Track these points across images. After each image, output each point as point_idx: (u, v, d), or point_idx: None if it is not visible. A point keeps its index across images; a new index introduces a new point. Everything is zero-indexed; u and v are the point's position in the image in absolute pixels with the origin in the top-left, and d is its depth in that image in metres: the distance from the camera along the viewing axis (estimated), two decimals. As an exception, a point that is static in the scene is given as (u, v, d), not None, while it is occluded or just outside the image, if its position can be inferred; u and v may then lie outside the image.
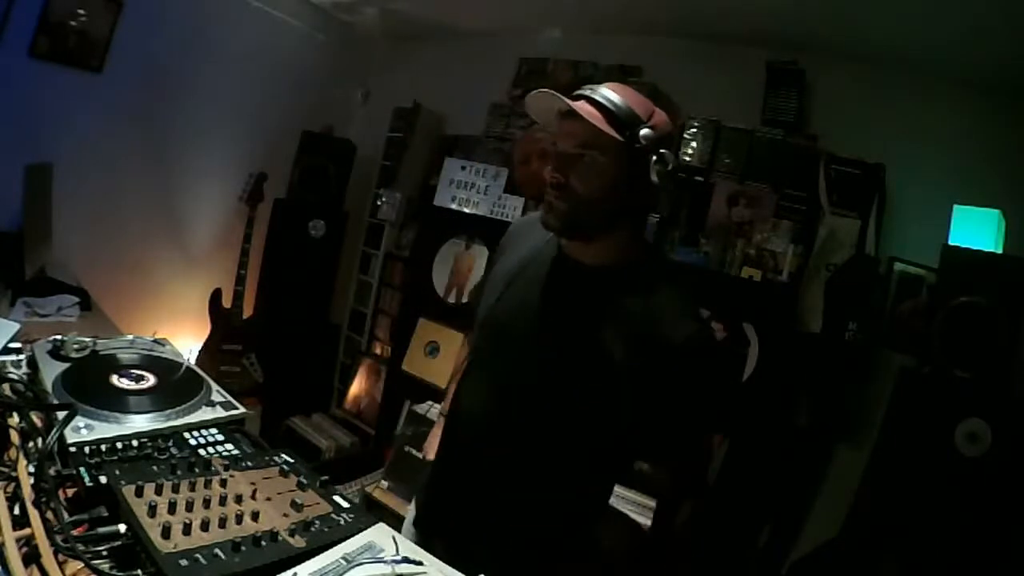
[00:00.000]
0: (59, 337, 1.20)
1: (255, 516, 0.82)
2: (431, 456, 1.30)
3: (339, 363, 3.51)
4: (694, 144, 2.42)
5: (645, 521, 2.04)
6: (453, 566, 0.81)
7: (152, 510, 0.77)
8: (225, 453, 1.00)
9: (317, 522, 0.85)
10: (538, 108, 0.97)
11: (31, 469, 0.82)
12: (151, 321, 2.70)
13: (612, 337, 0.95)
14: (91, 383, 1.07)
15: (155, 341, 1.38)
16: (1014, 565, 1.60)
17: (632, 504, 2.13)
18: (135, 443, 0.95)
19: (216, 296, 2.89)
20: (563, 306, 1.01)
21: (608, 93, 0.92)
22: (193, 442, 1.01)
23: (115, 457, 0.90)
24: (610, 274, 0.99)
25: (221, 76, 2.92)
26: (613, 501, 2.11)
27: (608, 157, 0.92)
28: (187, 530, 0.76)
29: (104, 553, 0.73)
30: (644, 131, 0.91)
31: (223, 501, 0.85)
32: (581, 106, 0.91)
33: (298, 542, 0.80)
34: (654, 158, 0.92)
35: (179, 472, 0.89)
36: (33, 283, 1.96)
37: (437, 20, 3.13)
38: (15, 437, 0.90)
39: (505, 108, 2.98)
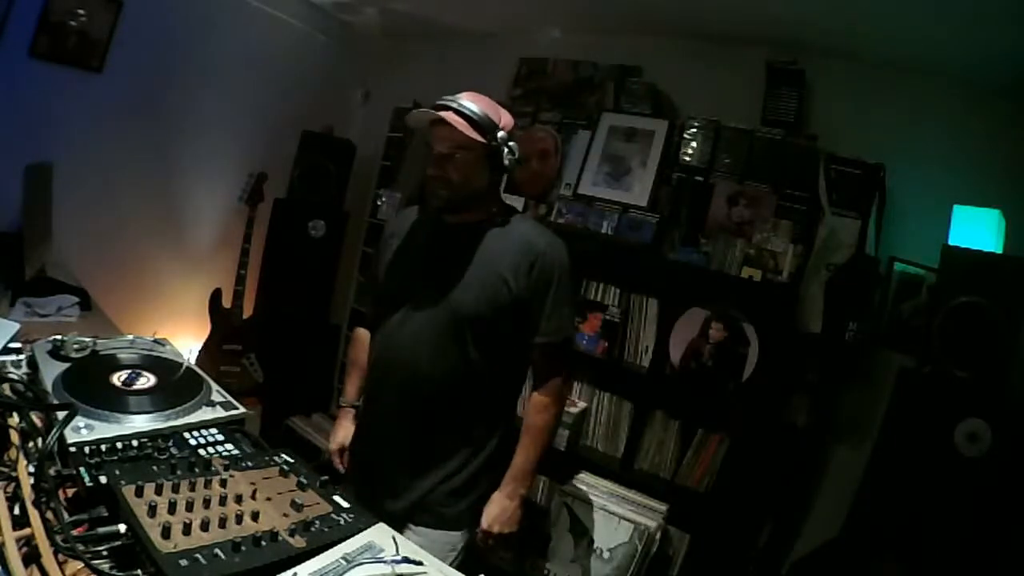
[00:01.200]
0: (59, 337, 1.20)
1: (255, 516, 0.82)
2: (334, 447, 1.53)
3: (339, 363, 3.51)
4: (694, 144, 2.42)
5: (649, 523, 2.04)
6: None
7: (152, 510, 0.77)
8: (225, 453, 1.00)
9: (317, 522, 0.85)
10: (414, 120, 1.29)
11: (31, 469, 0.83)
12: (151, 321, 2.70)
13: (497, 260, 1.28)
14: (91, 383, 1.07)
15: (155, 341, 1.38)
16: (1014, 565, 1.60)
17: (633, 504, 2.14)
18: (135, 443, 0.95)
19: (216, 296, 2.89)
20: (451, 250, 1.32)
21: (469, 104, 1.24)
22: (193, 442, 1.01)
23: (115, 457, 0.90)
24: (483, 224, 1.33)
25: (221, 76, 2.92)
26: (614, 502, 2.12)
27: (474, 154, 1.27)
28: (187, 530, 0.76)
29: (104, 553, 0.73)
30: (500, 133, 1.27)
31: (223, 501, 0.85)
32: (451, 116, 1.22)
33: (298, 542, 0.80)
34: (506, 150, 1.29)
35: (179, 472, 0.89)
36: (33, 283, 1.96)
37: (437, 20, 3.13)
38: (15, 437, 0.90)
39: (505, 108, 2.97)
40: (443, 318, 1.28)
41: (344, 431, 1.52)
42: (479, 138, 1.24)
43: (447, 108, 1.24)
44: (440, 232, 1.37)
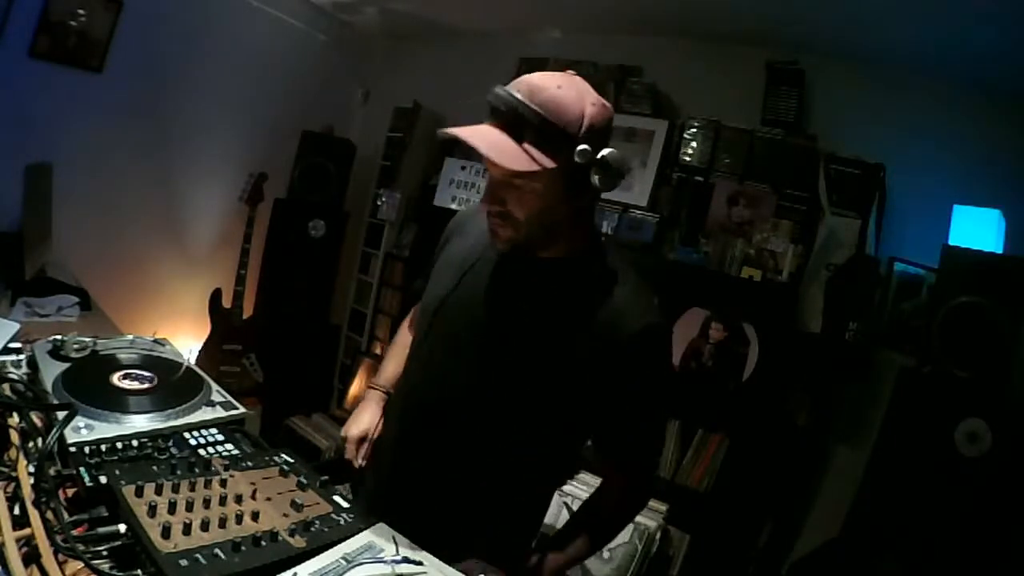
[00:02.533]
0: (59, 337, 1.19)
1: (255, 516, 0.82)
2: (356, 432, 1.18)
3: (339, 363, 3.51)
4: (694, 144, 2.42)
5: (649, 523, 2.04)
6: None
7: (152, 510, 0.77)
8: (225, 453, 1.00)
9: (317, 522, 0.85)
10: (446, 138, 0.89)
11: (31, 469, 0.82)
12: (151, 321, 2.70)
13: (567, 327, 0.91)
14: (91, 383, 1.07)
15: (155, 341, 1.38)
16: (1014, 565, 1.60)
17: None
18: (135, 443, 0.94)
19: (216, 296, 2.89)
20: (516, 298, 0.96)
21: (530, 106, 0.81)
22: (193, 442, 1.00)
23: (115, 457, 0.90)
24: (562, 265, 0.95)
25: (221, 76, 2.92)
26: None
27: (542, 181, 0.85)
28: (187, 530, 0.75)
29: (104, 553, 0.73)
30: (580, 148, 0.82)
31: (223, 501, 0.85)
32: (496, 141, 0.82)
33: (298, 542, 0.80)
34: (595, 171, 0.84)
35: (179, 472, 0.89)
36: (33, 283, 1.96)
37: (437, 20, 3.13)
38: (15, 437, 0.90)
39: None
40: (486, 379, 0.97)
41: (370, 416, 1.19)
42: (543, 163, 0.82)
43: (496, 109, 0.85)
44: (511, 260, 0.99)
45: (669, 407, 1.24)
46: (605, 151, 0.83)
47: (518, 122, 0.82)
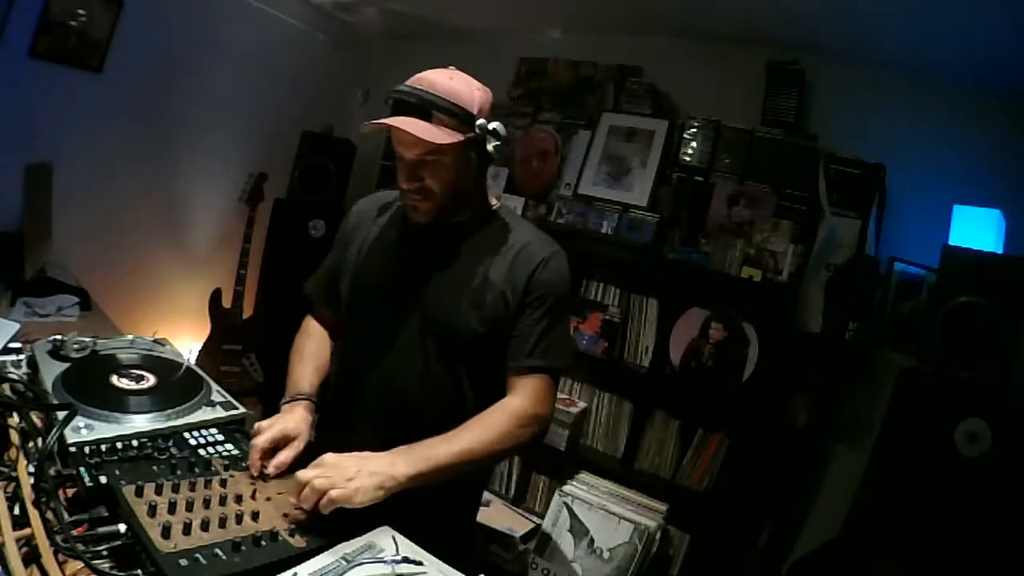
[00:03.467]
0: (59, 337, 1.20)
1: (255, 516, 0.82)
2: (270, 435, 0.99)
3: (339, 363, 3.51)
4: (694, 144, 2.42)
5: (649, 523, 2.04)
6: None
7: (152, 510, 0.77)
8: (225, 453, 1.00)
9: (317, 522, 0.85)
10: (369, 131, 1.06)
11: (31, 469, 0.82)
12: (151, 321, 2.70)
13: (493, 270, 1.08)
14: (91, 383, 1.07)
15: (155, 341, 1.38)
16: (1014, 565, 1.60)
17: (633, 504, 2.14)
18: (135, 443, 0.95)
19: (216, 296, 2.89)
20: (442, 262, 1.11)
21: (434, 96, 1.00)
22: (193, 442, 1.01)
23: (115, 457, 0.90)
24: (474, 224, 1.13)
25: (221, 76, 2.92)
26: (615, 502, 2.12)
27: (452, 154, 1.03)
28: (187, 530, 0.76)
29: (104, 553, 0.73)
30: (478, 121, 1.02)
31: (223, 501, 0.85)
32: (415, 124, 0.98)
33: (298, 542, 0.80)
34: (490, 139, 1.04)
35: (179, 472, 0.89)
36: (33, 283, 1.96)
37: (437, 20, 3.13)
38: (15, 437, 0.90)
39: (505, 108, 2.97)
40: (424, 332, 1.09)
41: (291, 425, 1.04)
42: (455, 137, 1.00)
43: (405, 102, 1.02)
44: (416, 231, 1.13)
45: (569, 324, 1.33)
46: (494, 123, 1.05)
47: (427, 109, 1.00)
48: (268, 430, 1.00)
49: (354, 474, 0.88)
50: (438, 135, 0.99)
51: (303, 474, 0.88)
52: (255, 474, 0.95)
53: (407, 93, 1.03)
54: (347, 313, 1.20)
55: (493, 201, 1.21)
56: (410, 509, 0.91)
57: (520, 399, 1.08)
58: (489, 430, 1.03)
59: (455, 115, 1.00)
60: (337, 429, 1.18)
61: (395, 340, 1.11)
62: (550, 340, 1.09)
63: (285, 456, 0.98)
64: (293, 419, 1.07)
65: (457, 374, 1.10)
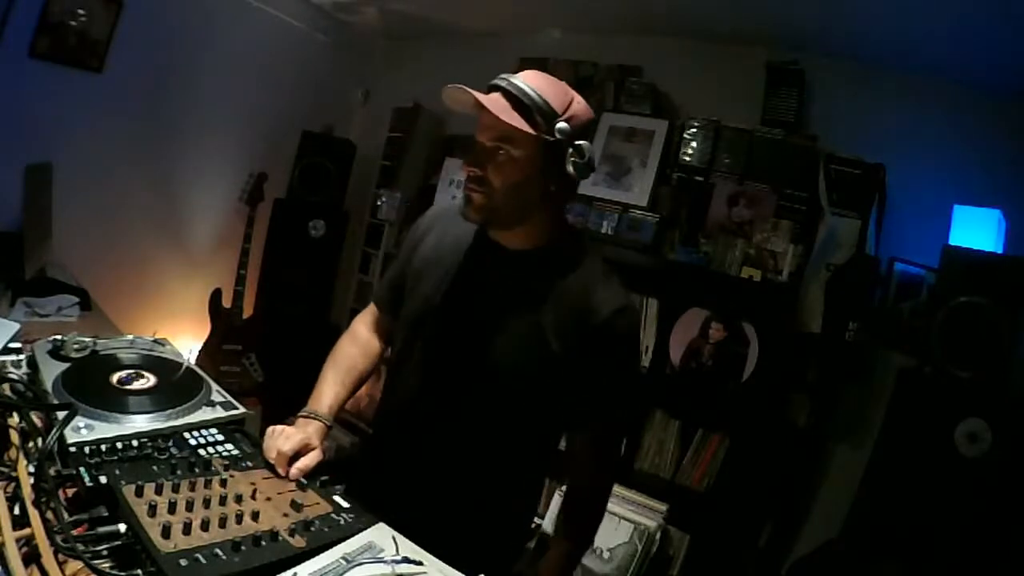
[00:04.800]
0: (59, 337, 1.19)
1: (255, 516, 0.82)
2: (289, 449, 0.97)
3: (339, 363, 3.50)
4: (694, 144, 2.42)
5: (649, 523, 2.04)
6: None
7: (152, 510, 0.77)
8: (225, 453, 1.00)
9: (317, 522, 0.85)
10: (455, 100, 0.96)
11: (31, 469, 0.82)
12: (151, 321, 2.70)
13: (542, 314, 0.99)
14: (91, 383, 1.07)
15: (155, 341, 1.37)
16: (1014, 565, 1.60)
17: (633, 504, 2.14)
18: (135, 443, 0.94)
19: (216, 296, 2.89)
20: (492, 289, 1.04)
21: (523, 85, 0.94)
22: (193, 442, 1.00)
23: (115, 457, 0.90)
24: (533, 256, 1.03)
25: (221, 76, 2.92)
26: (615, 502, 2.12)
27: (523, 150, 0.94)
28: (187, 530, 0.76)
29: (104, 553, 0.73)
30: (560, 124, 0.93)
31: (223, 501, 0.85)
32: (495, 100, 0.93)
33: (298, 542, 0.80)
34: (571, 150, 0.95)
35: (179, 472, 0.89)
36: (33, 283, 1.96)
37: (437, 20, 3.13)
38: (15, 437, 0.90)
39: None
40: (476, 368, 1.03)
41: (305, 439, 1.02)
42: (528, 128, 0.92)
43: (497, 89, 0.96)
44: (485, 254, 1.06)
45: (640, 385, 1.29)
46: (581, 140, 0.95)
47: (513, 95, 0.94)
48: (292, 438, 1.00)
49: None
50: (513, 119, 0.91)
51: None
52: (283, 475, 0.96)
53: (502, 78, 0.97)
54: (405, 321, 1.15)
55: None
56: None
57: (591, 483, 1.15)
58: (595, 510, 1.17)
59: (538, 108, 0.93)
60: (382, 435, 1.22)
61: (442, 367, 1.08)
62: (610, 400, 1.04)
63: (307, 462, 0.99)
64: (313, 431, 1.07)
65: (499, 408, 1.04)
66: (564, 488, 2.17)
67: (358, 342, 1.26)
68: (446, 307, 1.07)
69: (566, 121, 0.94)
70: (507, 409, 1.04)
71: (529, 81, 0.95)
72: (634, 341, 1.08)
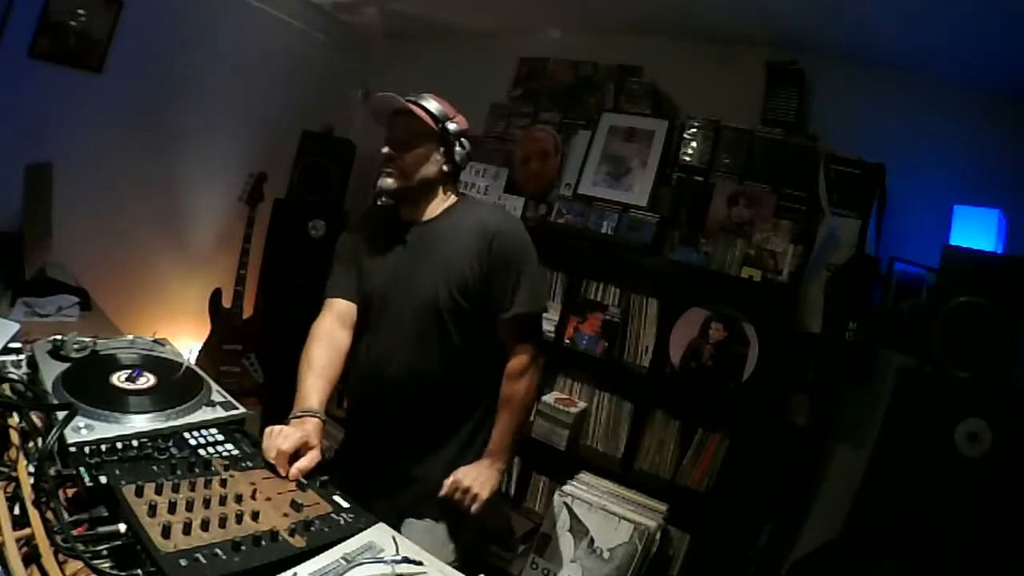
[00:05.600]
0: (59, 337, 1.20)
1: (255, 516, 0.82)
2: (287, 447, 1.02)
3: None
4: (694, 144, 2.42)
5: (649, 523, 2.04)
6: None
7: (152, 510, 0.77)
8: (225, 453, 1.00)
9: (317, 522, 0.85)
10: (377, 105, 1.36)
11: (31, 469, 0.82)
12: (151, 321, 2.70)
13: (459, 248, 1.32)
14: (91, 383, 1.07)
15: (155, 341, 1.38)
16: (1014, 565, 1.60)
17: (633, 504, 2.14)
18: (135, 443, 0.95)
19: (216, 296, 2.89)
20: (421, 248, 1.36)
21: (428, 101, 1.34)
22: (193, 442, 1.01)
23: (115, 457, 0.90)
24: (442, 216, 1.38)
25: (221, 76, 2.92)
26: (615, 502, 2.12)
27: (427, 142, 1.34)
28: (187, 530, 0.76)
29: (104, 553, 0.73)
30: (451, 126, 1.35)
31: (223, 501, 0.85)
32: (411, 105, 1.31)
33: (298, 542, 0.80)
34: (458, 145, 1.36)
35: (179, 472, 0.89)
36: (33, 283, 1.96)
37: (437, 20, 3.13)
38: (15, 437, 0.90)
39: (505, 108, 2.98)
40: (423, 313, 1.32)
41: (303, 436, 1.09)
42: (432, 125, 1.32)
43: (410, 102, 1.33)
44: (402, 231, 1.39)
45: (543, 277, 1.66)
46: (464, 139, 1.38)
47: (420, 104, 1.34)
48: (291, 437, 1.05)
49: (485, 479, 1.32)
50: (420, 116, 1.32)
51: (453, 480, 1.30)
52: (284, 475, 1.00)
53: (411, 96, 1.35)
54: (365, 310, 1.42)
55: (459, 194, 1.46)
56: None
57: (515, 359, 1.37)
58: (517, 405, 1.38)
59: (437, 116, 1.34)
60: (362, 406, 1.44)
61: (399, 323, 1.34)
62: (523, 291, 1.33)
63: (307, 462, 1.04)
64: (312, 429, 1.15)
65: (450, 339, 1.32)
66: (564, 488, 2.18)
67: (324, 341, 1.40)
68: (389, 274, 1.37)
69: (454, 123, 1.35)
70: (458, 332, 1.32)
71: (431, 99, 1.35)
72: (524, 238, 1.37)
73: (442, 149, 1.36)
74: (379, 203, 1.61)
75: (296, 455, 1.03)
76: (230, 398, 1.17)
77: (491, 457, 1.37)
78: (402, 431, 1.37)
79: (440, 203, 1.40)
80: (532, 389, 1.40)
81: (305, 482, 0.98)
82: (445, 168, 1.37)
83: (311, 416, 1.20)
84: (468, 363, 1.36)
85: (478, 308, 1.33)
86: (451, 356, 1.34)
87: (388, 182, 1.35)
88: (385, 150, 1.35)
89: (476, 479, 1.32)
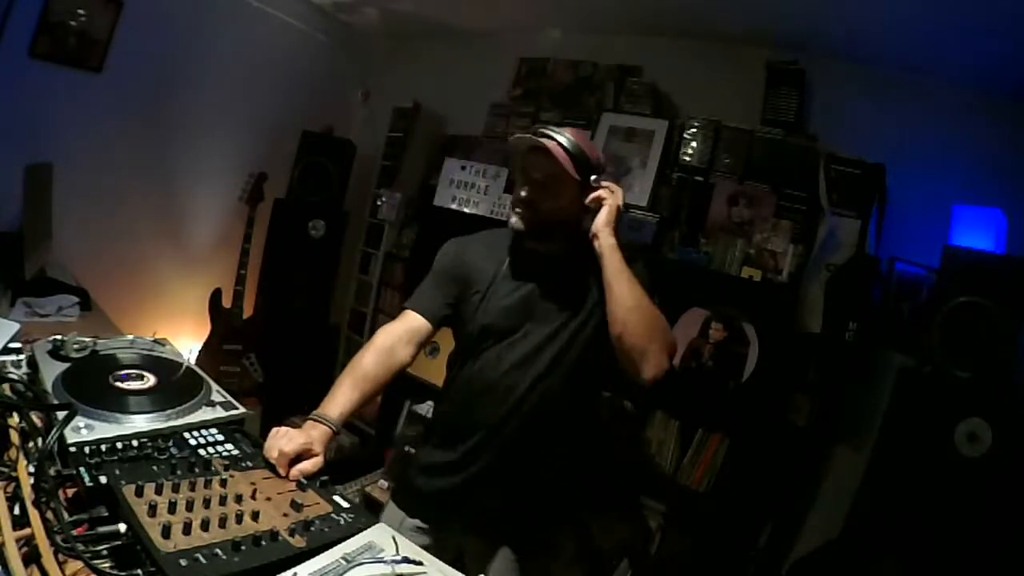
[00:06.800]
0: (59, 337, 1.19)
1: (255, 516, 0.82)
2: (289, 449, 1.01)
3: (339, 363, 3.51)
4: (694, 144, 2.42)
5: (649, 523, 2.04)
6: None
7: (152, 510, 0.77)
8: (225, 453, 1.00)
9: (317, 522, 0.85)
10: (518, 143, 1.27)
11: (31, 469, 0.82)
12: (151, 321, 2.70)
13: (585, 290, 1.28)
14: (91, 383, 1.07)
15: (155, 341, 1.38)
16: (1014, 565, 1.60)
17: (633, 504, 2.14)
18: (135, 443, 0.94)
19: (216, 296, 2.89)
20: (546, 284, 1.30)
21: (570, 139, 1.23)
22: (193, 442, 1.01)
23: (115, 457, 0.90)
24: (565, 255, 1.31)
25: (221, 76, 2.92)
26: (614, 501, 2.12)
27: (566, 187, 1.25)
28: (187, 530, 0.76)
29: (104, 553, 0.73)
30: (594, 177, 1.25)
31: (223, 501, 0.85)
32: (554, 148, 1.21)
33: (298, 542, 0.80)
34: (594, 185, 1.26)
35: (179, 472, 0.89)
36: (33, 283, 1.96)
37: (437, 20, 3.13)
38: (15, 437, 0.90)
39: (505, 108, 2.98)
40: (561, 346, 1.27)
41: (322, 442, 1.12)
42: (575, 174, 1.22)
43: (550, 138, 1.23)
44: (529, 260, 1.33)
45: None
46: (606, 180, 1.29)
47: (566, 147, 1.22)
48: (295, 440, 1.04)
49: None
50: (568, 166, 1.21)
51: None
52: (283, 475, 0.99)
53: (553, 131, 1.25)
54: (480, 337, 1.32)
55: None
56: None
57: None
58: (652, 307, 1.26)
59: (580, 160, 1.23)
60: (457, 440, 1.32)
61: (529, 352, 1.28)
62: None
63: (308, 467, 1.02)
64: (318, 435, 1.12)
65: (580, 376, 1.29)
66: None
67: (380, 352, 1.29)
68: (517, 306, 1.30)
69: (598, 171, 1.26)
70: (588, 374, 1.30)
71: (572, 136, 1.24)
72: (650, 276, 1.31)
73: (579, 194, 1.26)
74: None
75: (298, 459, 1.02)
76: (230, 398, 1.17)
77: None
78: (511, 470, 1.29)
79: (570, 240, 1.31)
80: (659, 318, 1.24)
81: (305, 482, 0.98)
82: (579, 210, 1.28)
83: (324, 423, 1.16)
84: (584, 407, 1.38)
85: (607, 348, 1.25)
86: (573, 396, 1.31)
87: (515, 222, 1.29)
88: (523, 193, 1.26)
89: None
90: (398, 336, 1.31)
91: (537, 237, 1.31)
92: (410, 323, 1.33)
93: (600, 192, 1.25)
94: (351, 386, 1.23)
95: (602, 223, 1.24)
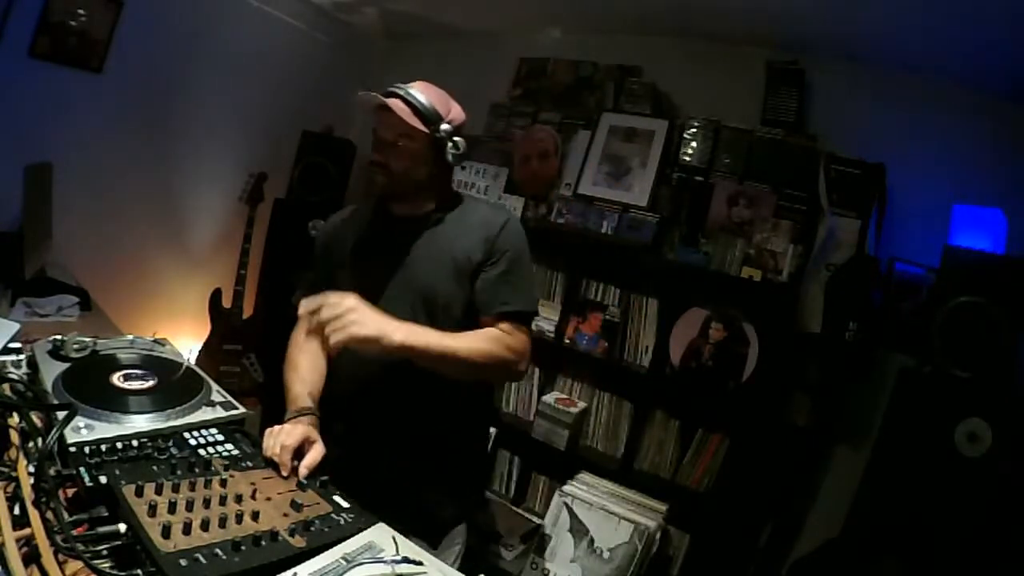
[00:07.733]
0: (59, 337, 1.20)
1: (255, 516, 0.82)
2: (291, 442, 1.04)
3: (339, 363, 3.51)
4: (694, 144, 2.42)
5: (649, 523, 2.04)
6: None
7: (152, 510, 0.77)
8: (225, 453, 1.00)
9: (317, 522, 0.85)
10: (361, 103, 1.25)
11: (31, 469, 0.82)
12: (151, 321, 2.70)
13: (457, 242, 1.27)
14: (91, 383, 1.07)
15: (155, 341, 1.38)
16: (1014, 565, 1.60)
17: (633, 504, 2.14)
18: (135, 443, 0.95)
19: (216, 296, 2.89)
20: (412, 242, 1.30)
21: (416, 93, 1.23)
22: (193, 442, 1.01)
23: (115, 457, 0.90)
24: (426, 218, 1.32)
25: (221, 76, 2.92)
26: (615, 502, 2.12)
27: (416, 144, 1.25)
28: (187, 530, 0.76)
29: (104, 553, 0.73)
30: (444, 126, 1.24)
31: (223, 501, 0.85)
32: (396, 103, 1.20)
33: (298, 542, 0.80)
34: (450, 144, 1.26)
35: (179, 472, 0.89)
36: (33, 283, 1.96)
37: (437, 20, 3.13)
38: (15, 437, 0.90)
39: (505, 108, 2.98)
40: (415, 307, 1.24)
41: (303, 433, 1.10)
42: (422, 128, 1.21)
43: (395, 95, 1.22)
44: (390, 225, 1.33)
45: (534, 279, 1.50)
46: (459, 137, 1.27)
47: (410, 103, 1.22)
48: (293, 433, 1.05)
49: (357, 316, 1.05)
50: (412, 119, 1.21)
51: (308, 303, 1.07)
52: (285, 474, 0.99)
53: (399, 88, 1.25)
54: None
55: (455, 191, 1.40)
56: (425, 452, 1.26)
57: (503, 333, 1.25)
58: (477, 342, 1.20)
59: (427, 113, 1.23)
60: (347, 407, 1.30)
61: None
62: (515, 288, 1.27)
63: (314, 457, 1.04)
64: (309, 426, 1.13)
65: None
66: (564, 488, 2.18)
67: (304, 348, 1.33)
68: (376, 270, 1.29)
69: (448, 123, 1.25)
70: (456, 328, 1.21)
71: (420, 91, 1.25)
72: (524, 238, 1.32)
73: (432, 150, 1.26)
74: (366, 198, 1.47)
75: (299, 452, 1.04)
76: (230, 398, 1.17)
77: (398, 324, 1.11)
78: (395, 437, 1.27)
79: (435, 199, 1.32)
80: (495, 357, 1.20)
81: (305, 482, 0.98)
82: (435, 171, 1.29)
83: (308, 414, 1.18)
84: None
85: (472, 305, 1.26)
86: None
87: (376, 186, 1.30)
88: (375, 156, 1.27)
89: (359, 312, 1.07)
90: (306, 332, 1.27)
91: (399, 199, 1.32)
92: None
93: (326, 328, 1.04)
94: (301, 378, 1.28)
95: (369, 342, 1.06)
